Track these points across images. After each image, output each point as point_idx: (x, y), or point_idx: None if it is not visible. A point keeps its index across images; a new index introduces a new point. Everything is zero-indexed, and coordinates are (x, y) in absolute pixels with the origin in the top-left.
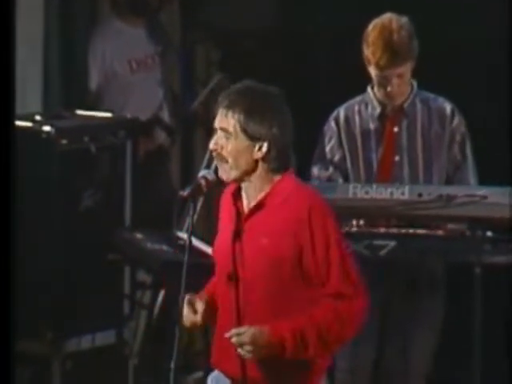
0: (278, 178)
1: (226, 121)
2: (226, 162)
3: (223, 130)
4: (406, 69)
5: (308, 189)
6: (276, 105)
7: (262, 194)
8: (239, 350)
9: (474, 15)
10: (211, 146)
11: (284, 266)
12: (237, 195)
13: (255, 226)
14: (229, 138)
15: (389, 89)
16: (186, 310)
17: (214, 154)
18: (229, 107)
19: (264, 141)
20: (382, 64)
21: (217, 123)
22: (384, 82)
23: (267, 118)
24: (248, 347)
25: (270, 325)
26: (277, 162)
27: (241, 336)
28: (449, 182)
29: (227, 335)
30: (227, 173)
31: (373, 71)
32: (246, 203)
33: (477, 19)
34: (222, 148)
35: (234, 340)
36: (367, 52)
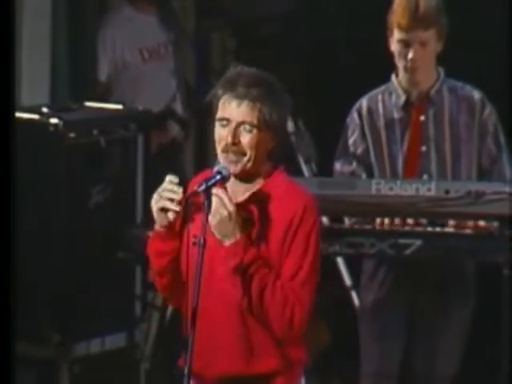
0: (270, 170)
1: (249, 113)
2: (244, 155)
3: (246, 122)
4: (430, 37)
5: (301, 187)
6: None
7: (254, 189)
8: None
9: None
10: (230, 139)
11: (273, 257)
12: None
13: (248, 215)
14: (251, 131)
15: (410, 55)
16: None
17: (233, 147)
18: (252, 98)
19: (279, 129)
20: (404, 24)
21: (236, 115)
22: (405, 51)
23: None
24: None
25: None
26: (279, 153)
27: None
28: (485, 176)
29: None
30: (244, 166)
31: (395, 37)
32: (234, 197)
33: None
34: (240, 142)
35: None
36: (392, 17)
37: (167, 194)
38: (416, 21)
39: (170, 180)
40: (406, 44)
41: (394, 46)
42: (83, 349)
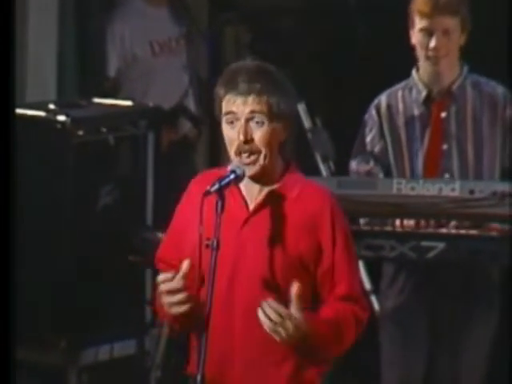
0: (283, 168)
1: (257, 106)
2: (260, 152)
3: (256, 113)
4: (453, 25)
5: (320, 185)
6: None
7: (274, 186)
8: (273, 331)
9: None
10: (242, 137)
11: (300, 263)
12: (225, 189)
13: (265, 220)
14: (262, 124)
15: (432, 43)
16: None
17: (246, 145)
18: (257, 92)
19: (289, 120)
20: (426, 10)
21: (244, 109)
22: (427, 40)
23: (290, 96)
24: (286, 333)
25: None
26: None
27: (284, 322)
28: (509, 176)
29: (264, 306)
30: (261, 164)
31: (417, 26)
32: (249, 198)
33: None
34: (253, 139)
35: (273, 319)
36: (413, 7)
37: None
38: (439, 7)
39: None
40: (428, 32)
41: (416, 37)
42: (91, 356)
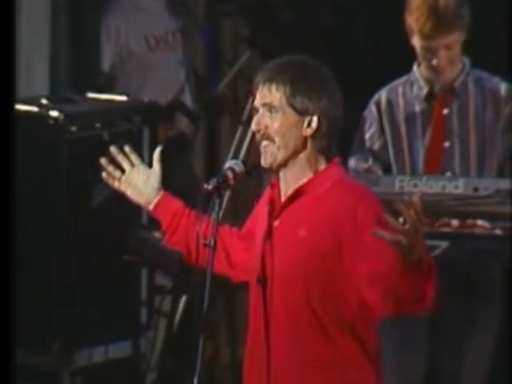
0: (323, 164)
1: (269, 95)
2: (273, 141)
3: (267, 105)
4: (455, 39)
5: (356, 181)
6: (323, 75)
7: (304, 180)
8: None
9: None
10: (254, 126)
11: (325, 258)
12: (274, 185)
13: (292, 216)
14: (274, 114)
15: (434, 62)
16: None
17: (258, 135)
18: (271, 80)
19: (313, 115)
20: (426, 31)
21: (258, 101)
22: (429, 55)
23: (315, 88)
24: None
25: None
26: (326, 140)
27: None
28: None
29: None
30: (274, 155)
31: (417, 42)
32: (284, 192)
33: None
34: (266, 127)
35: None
36: (410, 20)
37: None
38: (439, 26)
39: None
40: (429, 49)
41: (416, 47)
42: (85, 358)
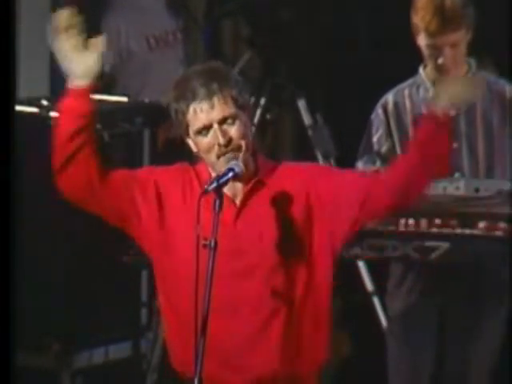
0: (253, 159)
1: (225, 107)
2: (239, 149)
3: (228, 117)
4: (460, 38)
5: (295, 162)
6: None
7: (255, 178)
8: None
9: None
10: (222, 141)
11: (300, 233)
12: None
13: (254, 211)
14: (233, 122)
15: (440, 60)
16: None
17: (226, 149)
18: (219, 89)
19: (249, 108)
20: (432, 29)
21: (216, 115)
22: (435, 54)
23: (242, 82)
24: None
25: None
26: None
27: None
28: None
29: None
30: (244, 161)
31: (423, 41)
32: (234, 196)
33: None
34: (230, 139)
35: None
36: (416, 18)
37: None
38: (444, 23)
39: None
40: (435, 47)
41: (422, 46)
42: (85, 359)
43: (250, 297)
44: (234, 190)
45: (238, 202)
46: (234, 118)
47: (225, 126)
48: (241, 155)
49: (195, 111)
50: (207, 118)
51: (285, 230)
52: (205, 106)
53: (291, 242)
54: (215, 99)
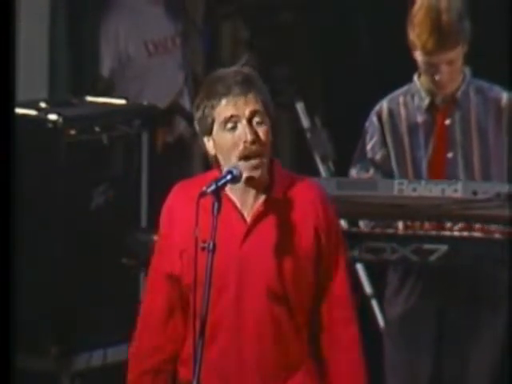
0: (269, 167)
1: (257, 104)
2: (263, 153)
3: (258, 112)
4: (457, 54)
5: (306, 179)
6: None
7: (269, 193)
8: None
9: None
10: (250, 137)
11: (309, 261)
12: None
13: (265, 232)
14: (261, 123)
15: (437, 77)
16: None
17: (251, 148)
18: (253, 90)
19: (273, 119)
20: (429, 48)
21: (242, 109)
22: (432, 70)
23: (269, 95)
24: None
25: None
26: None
27: None
28: None
29: None
30: (263, 167)
31: (419, 57)
32: (244, 208)
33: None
34: (258, 137)
35: None
36: (413, 35)
37: None
38: (441, 43)
39: None
40: (431, 65)
41: (418, 61)
42: (84, 361)
43: (251, 319)
44: (244, 199)
45: (247, 217)
46: (262, 117)
47: (253, 124)
48: (264, 161)
49: (228, 103)
50: (238, 109)
51: (293, 259)
52: (240, 100)
53: (297, 272)
54: (250, 96)
